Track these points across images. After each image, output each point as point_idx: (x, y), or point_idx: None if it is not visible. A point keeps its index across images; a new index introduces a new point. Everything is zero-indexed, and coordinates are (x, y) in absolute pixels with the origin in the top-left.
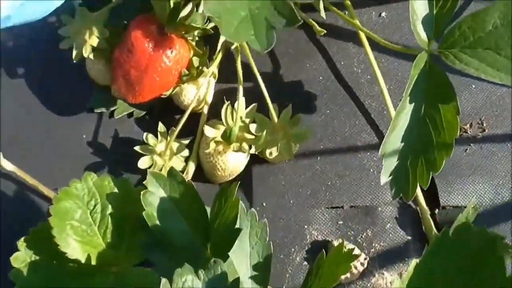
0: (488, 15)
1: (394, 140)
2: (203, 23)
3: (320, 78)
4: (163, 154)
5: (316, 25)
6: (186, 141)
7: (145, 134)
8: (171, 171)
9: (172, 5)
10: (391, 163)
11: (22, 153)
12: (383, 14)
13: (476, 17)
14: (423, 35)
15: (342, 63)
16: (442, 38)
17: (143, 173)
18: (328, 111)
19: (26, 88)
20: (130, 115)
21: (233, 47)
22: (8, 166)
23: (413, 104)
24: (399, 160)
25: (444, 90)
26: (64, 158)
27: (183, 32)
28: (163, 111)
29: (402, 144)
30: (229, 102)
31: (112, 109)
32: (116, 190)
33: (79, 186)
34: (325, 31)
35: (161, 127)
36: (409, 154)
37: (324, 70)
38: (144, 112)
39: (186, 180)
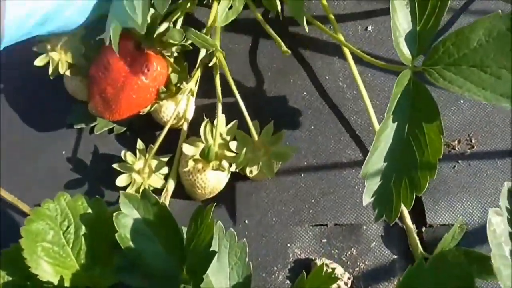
0: (473, 32)
1: (376, 160)
2: (180, 39)
3: (305, 93)
4: (141, 172)
5: (282, 44)
6: (165, 159)
7: (123, 151)
8: (145, 193)
9: (148, 21)
10: (373, 184)
11: (0, 169)
12: (369, 28)
13: (461, 34)
14: (406, 51)
15: (327, 78)
16: (426, 55)
17: (124, 189)
18: (312, 127)
19: (5, 104)
20: (110, 131)
21: (211, 63)
22: None
23: (396, 123)
24: (381, 181)
25: (428, 108)
26: (43, 174)
27: (161, 48)
28: (143, 127)
29: (385, 164)
30: (208, 119)
31: (92, 125)
32: (89, 210)
33: (52, 206)
34: (290, 52)
35: (139, 144)
36: (392, 174)
37: (308, 85)
38: (124, 128)
39: (160, 202)
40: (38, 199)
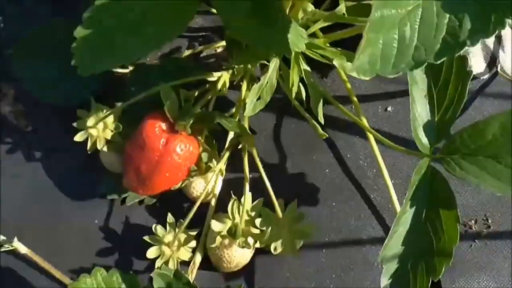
0: (489, 126)
1: (395, 243)
2: (211, 122)
3: (327, 171)
4: (171, 245)
5: (319, 128)
6: (194, 232)
7: (154, 225)
8: (177, 273)
9: (183, 103)
10: (391, 266)
11: (35, 236)
12: (389, 108)
13: (476, 127)
14: (424, 141)
15: (348, 156)
16: (443, 145)
17: (153, 260)
18: (333, 204)
19: (41, 170)
20: (140, 202)
21: (240, 146)
22: (22, 248)
23: (414, 208)
24: (399, 264)
25: (445, 196)
26: (76, 242)
27: (193, 129)
28: (173, 199)
29: (403, 248)
30: (235, 198)
31: (123, 196)
32: (124, 286)
33: (89, 281)
34: (327, 135)
35: (170, 218)
36: (409, 258)
37: (330, 163)
38: (155, 200)
39: (191, 282)
40: (71, 266)
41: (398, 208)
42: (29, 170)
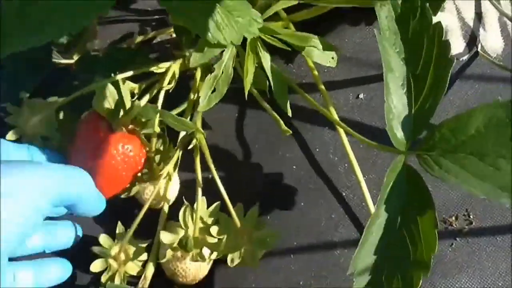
0: (472, 118)
1: (367, 254)
2: (155, 117)
3: (294, 167)
4: (117, 257)
5: (282, 123)
6: (144, 244)
7: (101, 235)
8: None
9: (118, 101)
10: (363, 279)
11: None
12: (361, 95)
13: (459, 120)
14: (400, 135)
15: (317, 150)
16: (421, 140)
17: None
18: (302, 204)
19: None
20: None
21: (191, 145)
22: None
23: (387, 213)
24: (371, 276)
25: (423, 199)
26: None
27: (135, 127)
28: (126, 209)
29: (376, 257)
30: (187, 204)
31: None
32: None
33: None
34: (291, 132)
35: (119, 227)
36: (383, 269)
37: (297, 158)
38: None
39: None
40: None
41: (372, 207)
42: None
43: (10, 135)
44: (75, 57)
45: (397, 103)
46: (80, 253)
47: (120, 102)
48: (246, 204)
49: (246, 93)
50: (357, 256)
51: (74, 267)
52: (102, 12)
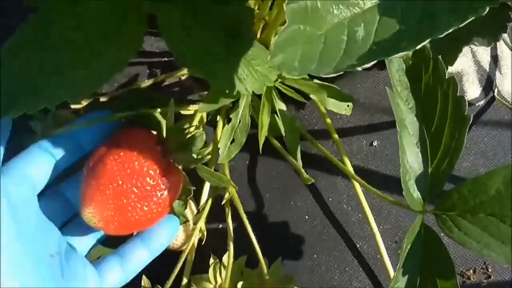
0: (491, 179)
1: None
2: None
3: (306, 217)
4: None
5: (303, 171)
6: None
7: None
8: None
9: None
10: None
11: None
12: (375, 143)
13: (478, 181)
14: (416, 195)
15: (330, 199)
16: (439, 200)
17: None
18: (315, 256)
19: None
20: None
21: (224, 201)
22: None
23: (406, 277)
24: None
25: (442, 262)
26: None
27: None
28: None
29: None
30: (217, 260)
31: None
32: None
33: None
34: (313, 180)
35: (144, 281)
36: None
37: (310, 207)
38: None
39: None
40: None
41: (386, 258)
42: None
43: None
44: (84, 102)
45: (412, 162)
46: None
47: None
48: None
49: (261, 146)
50: None
51: None
52: (120, 70)
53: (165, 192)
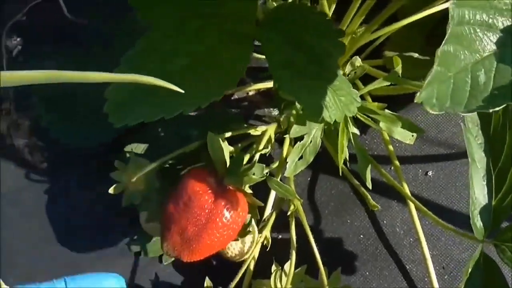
0: None
1: None
2: (262, 175)
3: (361, 236)
4: None
5: (370, 198)
6: None
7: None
8: None
9: (235, 157)
10: None
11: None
12: (430, 173)
13: None
14: (479, 225)
15: (385, 222)
16: (499, 231)
17: None
18: (367, 273)
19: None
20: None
21: (289, 212)
22: None
23: None
24: None
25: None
26: None
27: (241, 184)
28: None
29: None
30: (279, 268)
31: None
32: None
33: None
34: (379, 207)
35: (207, 282)
36: None
37: (365, 227)
38: None
39: None
40: None
41: (435, 283)
42: (39, 208)
43: (113, 189)
44: None
45: (478, 194)
46: None
47: (234, 160)
48: (313, 267)
49: (340, 169)
50: None
51: None
52: (232, 85)
53: (228, 216)
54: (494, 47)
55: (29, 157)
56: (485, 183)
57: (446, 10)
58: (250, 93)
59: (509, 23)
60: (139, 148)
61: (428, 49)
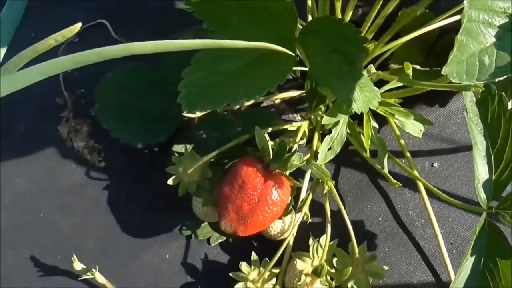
0: None
1: (458, 285)
2: (301, 160)
3: (380, 219)
4: (255, 282)
5: (391, 178)
6: (276, 270)
7: (241, 263)
8: None
9: (279, 146)
10: None
11: (112, 267)
12: (435, 164)
13: None
14: (483, 196)
15: (399, 206)
16: (499, 201)
17: None
18: (386, 249)
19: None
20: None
21: (324, 191)
22: (100, 278)
23: (474, 256)
24: None
25: (502, 248)
26: (150, 277)
27: (285, 169)
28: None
29: None
30: (316, 240)
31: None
32: None
33: None
34: (400, 184)
35: (254, 256)
36: None
37: (383, 211)
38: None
39: None
40: None
41: (446, 254)
42: (100, 204)
43: (171, 181)
44: (198, 113)
45: (481, 171)
46: (204, 278)
47: (278, 149)
48: (344, 243)
49: (368, 151)
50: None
51: None
52: (280, 81)
53: (276, 195)
54: (494, 39)
55: (88, 157)
56: (485, 162)
57: (442, 29)
58: (277, 101)
59: (503, 22)
60: (186, 148)
61: (427, 63)
